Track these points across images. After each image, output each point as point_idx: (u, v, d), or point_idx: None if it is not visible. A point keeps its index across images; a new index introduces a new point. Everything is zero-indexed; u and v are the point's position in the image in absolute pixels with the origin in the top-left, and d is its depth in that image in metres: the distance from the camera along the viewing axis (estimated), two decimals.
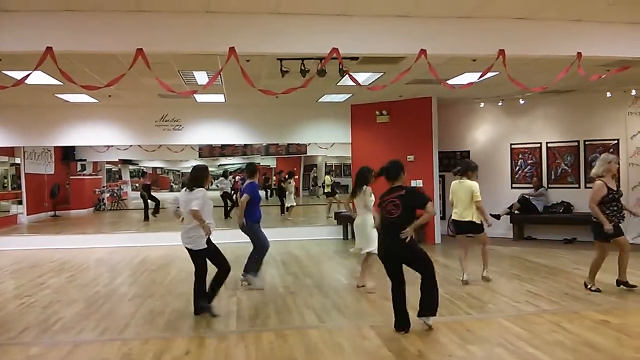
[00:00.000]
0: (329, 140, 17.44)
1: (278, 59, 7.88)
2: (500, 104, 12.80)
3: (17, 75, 8.30)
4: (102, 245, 12.44)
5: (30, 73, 5.79)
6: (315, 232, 13.65)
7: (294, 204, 18.13)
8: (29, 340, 5.55)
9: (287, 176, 18.14)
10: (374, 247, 7.08)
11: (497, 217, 12.47)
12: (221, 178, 19.28)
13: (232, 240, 9.41)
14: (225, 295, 7.32)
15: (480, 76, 6.93)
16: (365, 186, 7.50)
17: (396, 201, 5.54)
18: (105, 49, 5.92)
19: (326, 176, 22.11)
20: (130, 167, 34.04)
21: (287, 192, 18.11)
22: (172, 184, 44.17)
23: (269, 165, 36.77)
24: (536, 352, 4.90)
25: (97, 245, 12.41)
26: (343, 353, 4.97)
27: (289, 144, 25.43)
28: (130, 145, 20.42)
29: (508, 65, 6.53)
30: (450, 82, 10.23)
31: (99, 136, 13.39)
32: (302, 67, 7.86)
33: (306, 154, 26.83)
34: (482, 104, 13.02)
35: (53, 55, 5.61)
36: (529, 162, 13.01)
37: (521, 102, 12.42)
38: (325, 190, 20.08)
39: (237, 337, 5.58)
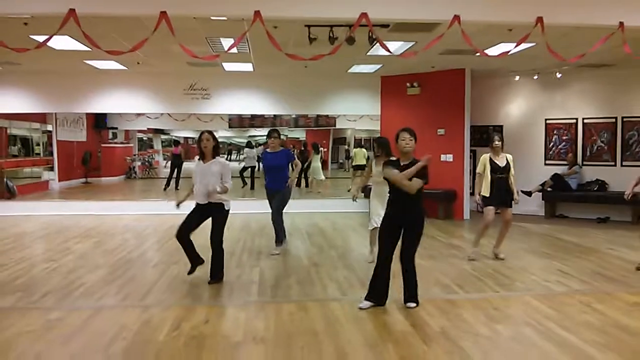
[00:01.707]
0: (358, 112, 17.20)
1: (306, 26, 7.67)
2: (536, 77, 12.37)
3: (44, 39, 8.30)
4: (130, 213, 12.52)
5: (52, 36, 5.72)
6: (342, 204, 13.51)
7: (322, 177, 17.49)
8: (50, 304, 5.57)
9: (310, 148, 17.61)
10: None
11: (529, 193, 12.15)
12: (247, 149, 18.96)
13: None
14: (248, 265, 7.28)
15: (517, 44, 6.61)
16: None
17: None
18: (128, 12, 5.80)
19: (356, 149, 21.74)
20: (162, 136, 34.30)
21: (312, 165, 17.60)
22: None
23: (298, 138, 36.61)
24: (565, 333, 4.71)
25: (125, 213, 12.49)
26: (364, 327, 4.85)
27: (318, 116, 25.18)
28: (161, 114, 20.48)
29: (549, 37, 6.21)
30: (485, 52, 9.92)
31: (128, 104, 13.43)
32: (331, 35, 7.65)
33: (335, 126, 26.55)
34: (517, 77, 12.61)
35: (76, 17, 5.51)
36: (564, 138, 12.60)
37: (558, 75, 12.00)
38: (355, 164, 19.62)
39: (257, 307, 5.51)
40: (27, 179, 17.42)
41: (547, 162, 12.74)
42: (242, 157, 18.97)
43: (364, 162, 18.54)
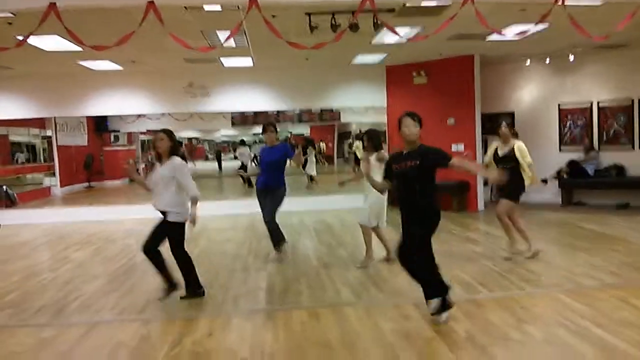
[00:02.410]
0: (363, 105, 16.70)
1: (306, 14, 7.24)
2: (547, 61, 11.88)
3: (32, 40, 7.90)
4: (133, 217, 12.12)
5: (31, 33, 5.31)
6: (349, 201, 13.05)
7: (314, 173, 17.62)
8: (43, 321, 5.17)
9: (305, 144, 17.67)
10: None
11: (544, 181, 11.72)
12: (240, 147, 18.85)
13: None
14: (254, 269, 6.88)
15: (539, 21, 6.15)
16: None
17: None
18: (112, 3, 5.39)
19: (358, 142, 21.31)
20: None
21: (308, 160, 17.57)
22: (207, 153, 44.06)
23: (303, 134, 36.22)
24: (603, 333, 4.28)
25: (128, 217, 12.10)
26: (382, 336, 4.43)
27: (322, 111, 24.72)
28: (162, 115, 20.10)
29: (562, 18, 5.76)
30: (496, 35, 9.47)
31: (126, 105, 13.03)
32: (333, 22, 7.22)
33: (340, 120, 26.12)
34: (528, 62, 12.12)
35: (57, 11, 5.10)
36: (579, 123, 12.12)
37: (570, 58, 11.51)
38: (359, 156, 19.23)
39: (265, 316, 5.11)
40: (28, 185, 17.12)
41: (562, 148, 12.28)
42: (236, 155, 18.95)
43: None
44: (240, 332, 4.68)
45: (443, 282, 4.73)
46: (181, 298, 5.64)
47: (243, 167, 18.30)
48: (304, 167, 18.45)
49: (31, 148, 18.24)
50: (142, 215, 12.15)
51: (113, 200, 15.73)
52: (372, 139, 6.76)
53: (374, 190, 5.59)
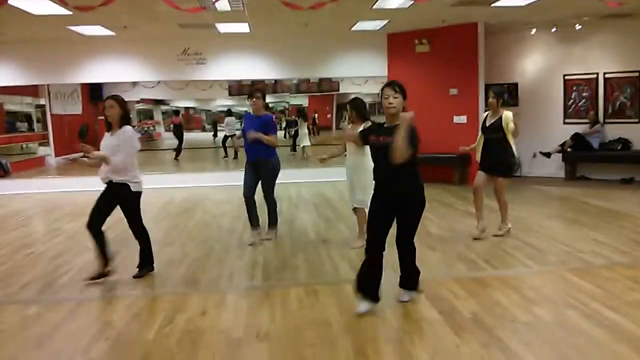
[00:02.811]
0: (363, 74, 16.37)
1: None
2: (554, 30, 11.51)
3: (19, 2, 7.56)
4: None
5: None
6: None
7: (309, 143, 17.56)
8: (29, 297, 4.96)
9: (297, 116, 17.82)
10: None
11: (548, 155, 11.50)
12: (227, 117, 18.43)
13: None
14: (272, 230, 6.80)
15: None
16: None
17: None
18: None
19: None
20: (162, 107, 33.58)
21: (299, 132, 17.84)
22: (204, 124, 43.55)
23: (301, 105, 35.80)
24: (615, 316, 4.06)
25: None
26: (383, 315, 4.20)
27: (320, 81, 24.35)
28: (157, 83, 19.77)
29: None
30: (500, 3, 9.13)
31: (120, 72, 12.70)
32: None
33: (339, 91, 25.76)
34: (533, 31, 11.74)
35: None
36: (584, 94, 11.80)
37: (577, 27, 11.15)
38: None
39: (261, 293, 4.89)
40: (23, 155, 16.83)
41: (567, 120, 11.96)
42: (223, 125, 18.77)
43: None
44: (235, 310, 4.46)
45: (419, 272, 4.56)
46: (135, 277, 5.37)
47: (230, 137, 17.85)
48: (294, 139, 18.48)
49: (26, 117, 17.93)
50: None
51: None
52: (357, 108, 6.07)
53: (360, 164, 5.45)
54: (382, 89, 4.23)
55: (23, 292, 5.09)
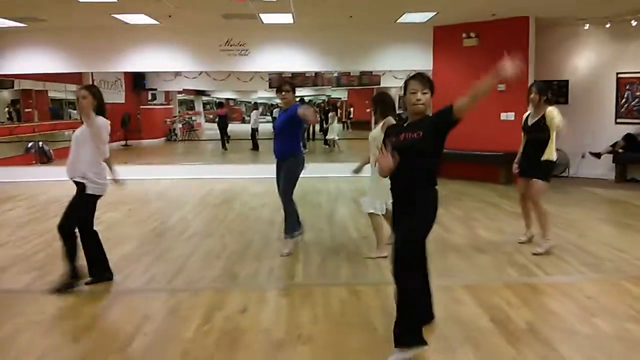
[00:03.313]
0: (407, 68, 15.94)
1: None
2: (608, 25, 11.01)
3: None
4: (167, 177, 11.93)
5: None
6: None
7: (335, 137, 18.13)
8: None
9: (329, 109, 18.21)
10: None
11: (598, 155, 11.04)
12: (253, 111, 19.19)
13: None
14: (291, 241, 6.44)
15: None
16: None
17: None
18: None
19: None
20: (203, 98, 33.79)
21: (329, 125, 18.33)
22: (244, 115, 43.72)
23: (340, 98, 35.52)
24: None
25: (163, 177, 11.90)
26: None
27: (361, 74, 24.03)
28: (199, 74, 19.82)
29: None
30: None
31: (162, 61, 12.64)
32: None
33: (379, 85, 25.40)
34: (586, 26, 11.25)
35: None
36: (637, 94, 11.26)
37: (633, 23, 10.63)
38: None
39: (302, 292, 4.72)
40: (66, 142, 17.04)
41: (618, 120, 11.44)
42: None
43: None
44: (275, 309, 4.31)
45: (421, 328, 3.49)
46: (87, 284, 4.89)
47: (254, 131, 18.62)
48: (323, 130, 18.77)
49: (70, 104, 18.17)
50: (178, 176, 12.00)
51: (149, 160, 15.55)
52: (379, 103, 5.51)
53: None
54: (408, 82, 3.55)
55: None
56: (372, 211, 5.64)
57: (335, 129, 17.89)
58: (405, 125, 3.60)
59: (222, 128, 18.95)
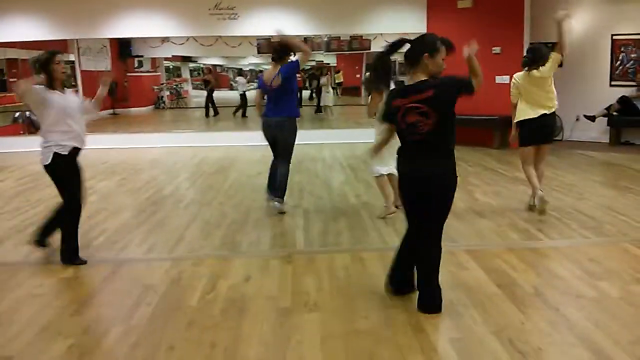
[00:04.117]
0: (400, 31, 15.68)
1: None
2: None
3: None
4: (159, 145, 11.78)
5: None
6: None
7: (330, 104, 17.71)
8: None
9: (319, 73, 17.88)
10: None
11: (592, 118, 11.00)
12: (238, 77, 19.11)
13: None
14: (289, 206, 6.40)
15: None
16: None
17: (422, 107, 3.31)
18: None
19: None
20: (190, 64, 33.27)
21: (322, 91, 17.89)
22: (231, 82, 43.17)
23: (329, 64, 35.12)
24: None
25: (154, 145, 11.74)
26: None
27: (352, 39, 23.71)
28: (187, 39, 19.44)
29: None
30: None
31: (150, 27, 12.36)
32: None
33: (369, 50, 25.07)
34: None
35: None
36: (632, 55, 11.15)
37: None
38: None
39: (305, 259, 4.67)
40: None
41: (613, 83, 11.35)
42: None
43: None
44: (279, 276, 4.26)
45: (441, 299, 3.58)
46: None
47: (242, 96, 18.65)
48: (319, 97, 18.47)
49: None
50: (169, 144, 11.85)
51: (138, 128, 15.35)
52: (377, 69, 5.59)
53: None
54: (441, 47, 3.41)
55: (59, 254, 4.95)
56: (379, 174, 5.81)
57: (330, 95, 17.58)
58: (409, 86, 3.43)
59: (207, 94, 19.01)
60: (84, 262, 4.57)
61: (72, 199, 4.63)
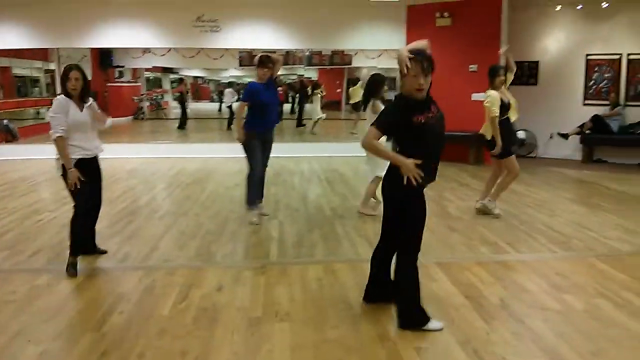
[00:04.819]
0: (380, 47, 15.94)
1: None
2: (580, 7, 11.14)
3: None
4: (137, 156, 11.74)
5: None
6: (359, 148, 12.62)
7: (323, 116, 17.08)
8: (39, 265, 4.83)
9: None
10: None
11: (566, 136, 11.25)
12: (227, 89, 19.09)
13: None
14: (265, 218, 6.46)
15: None
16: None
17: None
18: None
19: (353, 87, 20.74)
20: (171, 75, 33.23)
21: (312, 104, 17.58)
22: (212, 94, 43.10)
23: (310, 78, 35.29)
24: None
25: (132, 156, 11.71)
26: None
27: (333, 53, 23.92)
28: (168, 50, 19.44)
29: None
30: None
31: (132, 38, 12.38)
32: None
33: (351, 65, 25.30)
34: (558, 7, 11.37)
35: None
36: (606, 75, 11.45)
37: (603, 5, 10.79)
38: (352, 101, 19.03)
39: (278, 270, 4.72)
40: (31, 120, 16.65)
41: (587, 102, 11.63)
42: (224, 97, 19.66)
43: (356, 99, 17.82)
44: (252, 287, 4.30)
45: (423, 310, 3.57)
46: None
47: (229, 107, 18.62)
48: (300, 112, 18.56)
49: (35, 82, 17.75)
50: (147, 155, 11.83)
51: (116, 138, 15.28)
52: (367, 85, 6.23)
53: None
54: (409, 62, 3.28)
55: (32, 261, 4.95)
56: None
57: (317, 110, 17.08)
58: (423, 101, 3.38)
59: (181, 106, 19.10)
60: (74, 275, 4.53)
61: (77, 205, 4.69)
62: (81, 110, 4.66)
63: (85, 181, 4.62)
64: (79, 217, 4.66)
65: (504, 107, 6.23)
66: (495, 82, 6.22)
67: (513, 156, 6.36)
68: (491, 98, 6.15)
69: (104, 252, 5.10)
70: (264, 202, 6.66)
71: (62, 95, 4.61)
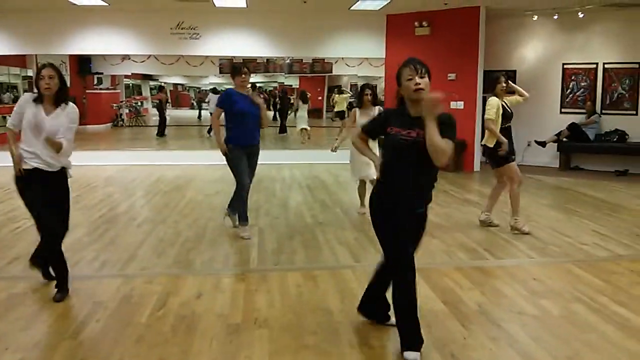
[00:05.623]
0: (360, 55, 16.10)
1: None
2: (556, 17, 11.32)
3: None
4: (115, 163, 11.64)
5: None
6: (343, 155, 12.63)
7: (307, 127, 16.14)
8: (16, 273, 4.77)
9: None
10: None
11: (543, 144, 11.39)
12: (211, 94, 18.96)
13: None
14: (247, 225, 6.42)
15: None
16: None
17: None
18: None
19: (338, 95, 20.76)
20: (151, 82, 33.08)
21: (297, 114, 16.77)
22: (192, 101, 42.93)
23: (291, 85, 35.37)
24: (623, 310, 3.97)
25: (110, 163, 11.61)
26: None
27: (313, 62, 24.04)
28: (147, 57, 19.36)
29: None
30: None
31: (111, 44, 12.35)
32: None
33: (331, 73, 25.44)
34: (535, 17, 11.55)
35: None
36: (582, 84, 11.65)
37: (580, 15, 10.98)
38: (336, 110, 19.01)
39: (258, 277, 4.71)
40: (2, 127, 16.45)
41: (563, 110, 11.83)
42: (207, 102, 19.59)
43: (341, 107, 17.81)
44: (232, 294, 4.29)
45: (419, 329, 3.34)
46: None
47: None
48: (282, 120, 18.51)
49: (12, 88, 17.53)
50: (125, 162, 11.73)
51: (94, 146, 15.15)
52: (374, 90, 6.80)
53: None
54: (402, 69, 3.22)
55: (10, 268, 4.89)
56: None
57: (304, 119, 16.19)
58: (411, 116, 3.23)
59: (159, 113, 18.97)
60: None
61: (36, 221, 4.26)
62: (47, 114, 4.02)
63: (38, 198, 4.11)
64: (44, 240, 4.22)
65: (506, 115, 6.28)
66: (496, 89, 6.25)
67: (513, 163, 6.34)
68: (490, 105, 6.17)
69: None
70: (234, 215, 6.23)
71: (29, 93, 4.18)
